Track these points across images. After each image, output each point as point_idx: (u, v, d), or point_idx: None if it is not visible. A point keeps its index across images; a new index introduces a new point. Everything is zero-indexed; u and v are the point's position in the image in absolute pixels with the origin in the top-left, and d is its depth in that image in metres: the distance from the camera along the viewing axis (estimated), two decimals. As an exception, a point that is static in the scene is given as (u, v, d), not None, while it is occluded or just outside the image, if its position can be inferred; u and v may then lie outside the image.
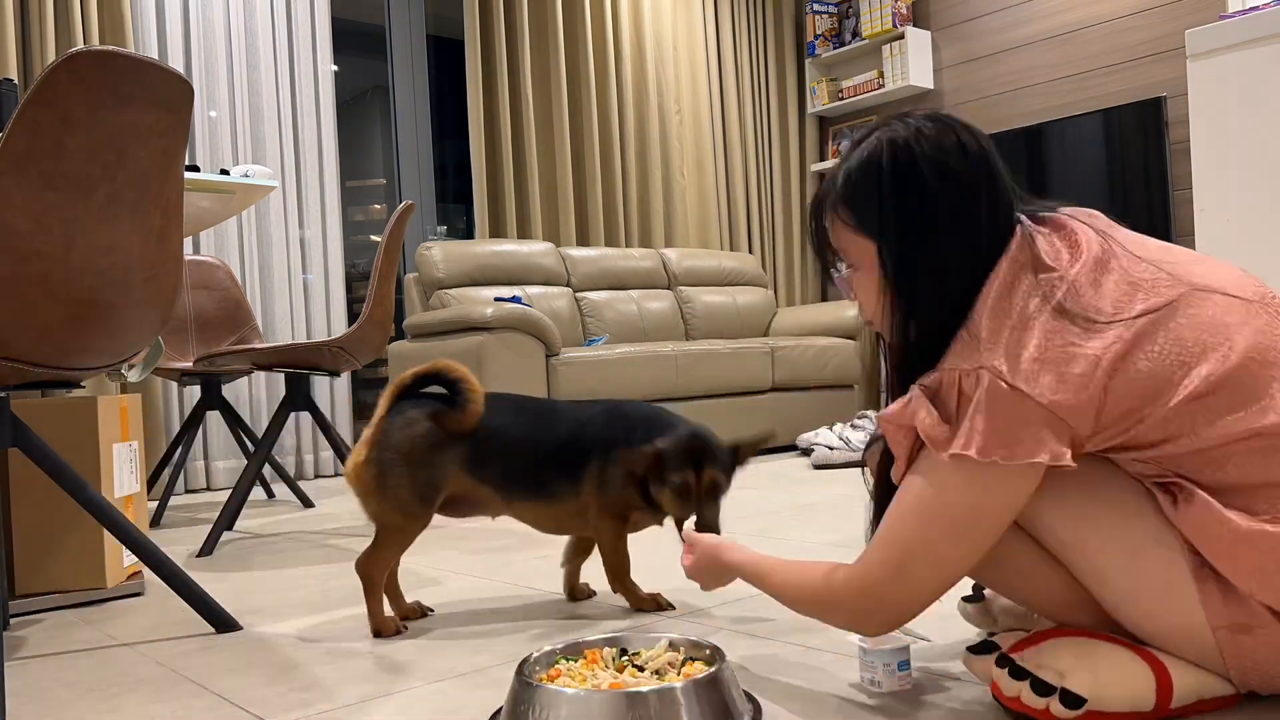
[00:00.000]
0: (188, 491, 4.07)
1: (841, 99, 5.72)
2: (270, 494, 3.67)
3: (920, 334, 1.05)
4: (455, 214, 5.35)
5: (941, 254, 1.04)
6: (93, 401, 1.95)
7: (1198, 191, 3.41)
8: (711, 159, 5.55)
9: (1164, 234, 4.40)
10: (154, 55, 3.97)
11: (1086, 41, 4.82)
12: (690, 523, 1.53)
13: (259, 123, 4.22)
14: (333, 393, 4.43)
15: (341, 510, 3.19)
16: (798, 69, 5.96)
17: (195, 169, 2.49)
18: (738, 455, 1.63)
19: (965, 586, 1.40)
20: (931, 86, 5.43)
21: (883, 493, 1.14)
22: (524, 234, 4.85)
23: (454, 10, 4.83)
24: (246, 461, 2.77)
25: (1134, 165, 4.52)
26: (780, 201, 5.84)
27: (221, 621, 1.67)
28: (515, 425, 1.60)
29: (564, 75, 4.93)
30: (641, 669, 1.12)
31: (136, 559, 1.98)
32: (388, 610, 1.63)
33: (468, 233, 5.23)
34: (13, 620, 1.82)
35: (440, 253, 4.28)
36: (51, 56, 3.64)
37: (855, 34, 5.69)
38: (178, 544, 2.63)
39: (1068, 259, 1.01)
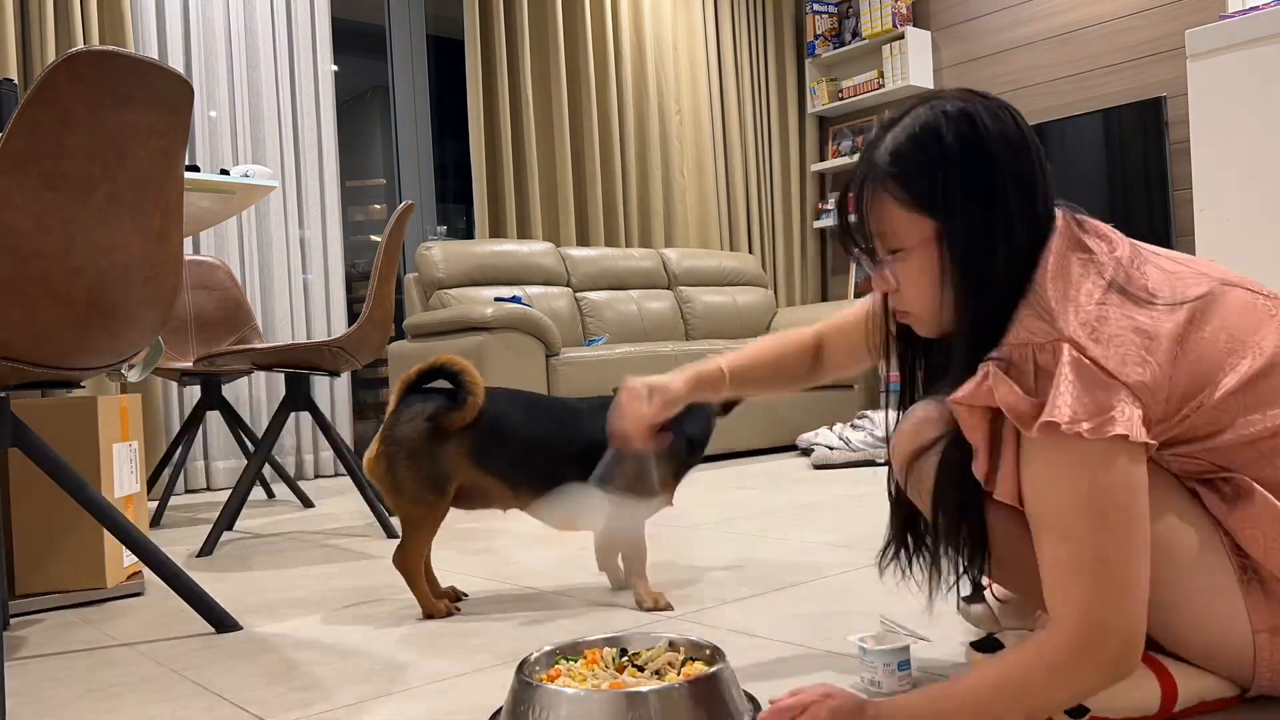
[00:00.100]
0: (188, 491, 4.07)
1: (841, 99, 5.72)
2: (270, 494, 3.67)
3: (989, 315, 0.98)
4: (455, 214, 5.35)
5: (1010, 227, 0.98)
6: (93, 401, 1.95)
7: (1198, 191, 3.41)
8: (711, 159, 5.55)
9: (1164, 234, 4.40)
10: (154, 55, 3.97)
11: (1086, 41, 4.82)
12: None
13: (259, 123, 4.22)
14: (333, 393, 4.43)
15: (341, 510, 3.19)
16: (798, 69, 5.96)
17: (195, 169, 2.49)
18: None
19: (964, 587, 1.40)
20: (931, 86, 5.43)
21: (949, 494, 1.06)
22: (524, 234, 4.85)
23: (454, 10, 4.83)
24: (246, 461, 2.77)
25: (1134, 165, 4.52)
26: (780, 201, 5.84)
27: (221, 621, 1.67)
28: (520, 418, 1.65)
29: (564, 75, 4.93)
30: (641, 669, 1.12)
31: (136, 559, 1.98)
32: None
33: (468, 233, 5.23)
34: (13, 620, 1.82)
35: (440, 253, 4.28)
36: (51, 56, 3.64)
37: (855, 34, 5.69)
38: (178, 544, 2.63)
39: (1107, 248, 1.00)
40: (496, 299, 4.07)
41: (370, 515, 3.01)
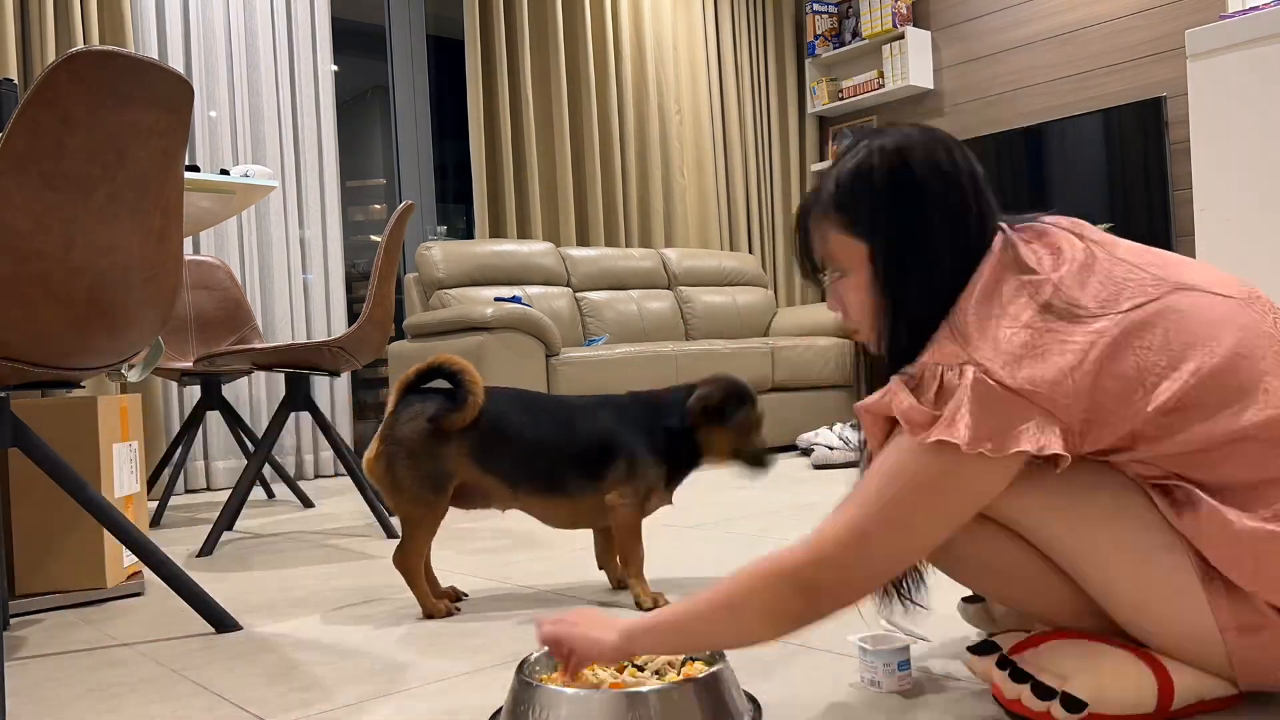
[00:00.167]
0: (188, 491, 4.07)
1: (841, 99, 5.72)
2: (270, 494, 3.67)
3: (909, 333, 1.06)
4: (455, 214, 5.35)
5: (934, 250, 1.05)
6: (93, 401, 1.96)
7: (1198, 191, 3.41)
8: (711, 159, 5.55)
9: (1164, 234, 4.40)
10: (154, 55, 3.97)
11: (1086, 41, 4.82)
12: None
13: (259, 123, 4.22)
14: (333, 393, 4.43)
15: (341, 510, 3.19)
16: (798, 69, 5.96)
17: (195, 169, 2.49)
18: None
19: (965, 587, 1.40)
20: (931, 86, 5.43)
21: None
22: (524, 234, 4.85)
23: (454, 10, 4.83)
24: (246, 461, 2.77)
25: (1134, 165, 4.52)
26: (780, 201, 5.84)
27: (221, 621, 1.67)
28: (520, 418, 1.65)
29: (564, 75, 4.93)
30: (641, 669, 1.12)
31: (136, 559, 1.98)
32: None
33: (468, 233, 5.23)
34: (13, 620, 1.82)
35: (440, 253, 4.28)
36: (51, 56, 3.64)
37: (855, 34, 5.69)
38: (178, 544, 2.63)
39: (1050, 263, 1.03)
40: (496, 299, 4.07)
41: (370, 515, 3.01)
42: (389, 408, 1.66)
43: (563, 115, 4.92)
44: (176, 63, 4.01)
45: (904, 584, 1.19)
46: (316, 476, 4.38)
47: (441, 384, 1.68)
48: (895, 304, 1.07)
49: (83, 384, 1.68)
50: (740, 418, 1.70)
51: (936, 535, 0.99)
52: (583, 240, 5.08)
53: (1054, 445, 0.94)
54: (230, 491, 2.67)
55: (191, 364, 3.20)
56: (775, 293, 5.79)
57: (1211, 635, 0.96)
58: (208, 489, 4.09)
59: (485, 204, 4.73)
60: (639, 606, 1.64)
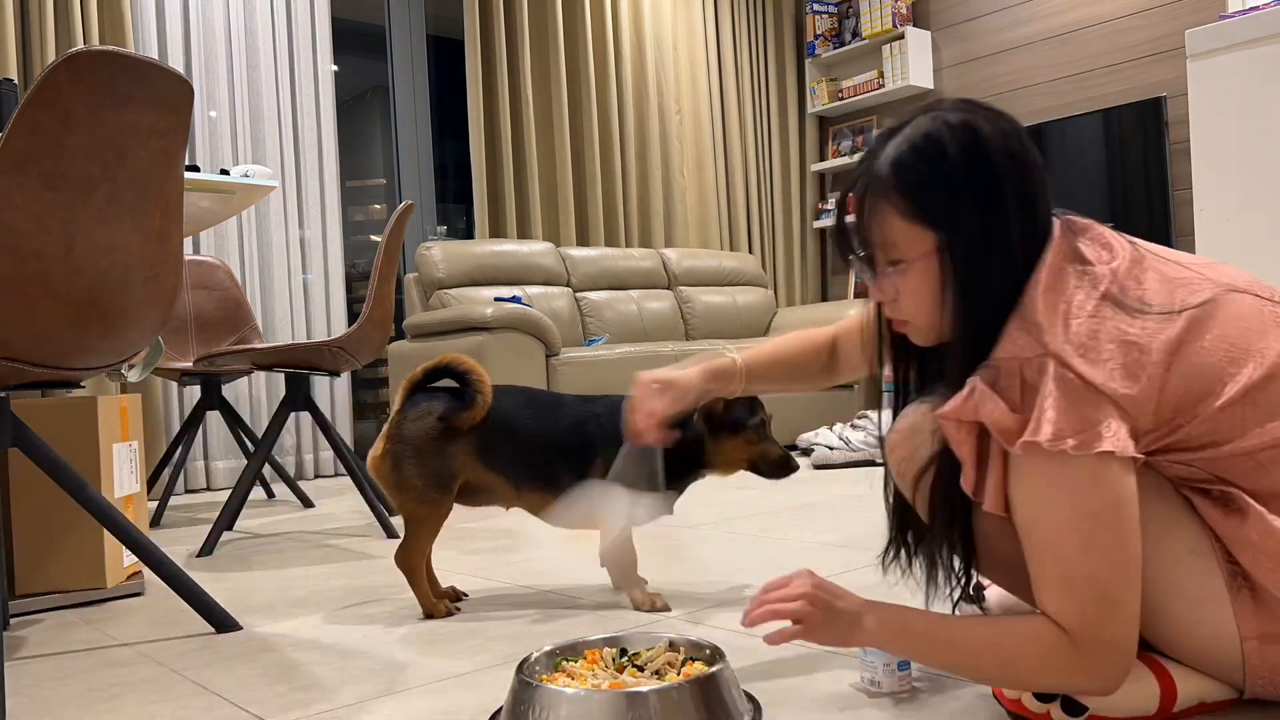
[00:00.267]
0: (188, 491, 4.07)
1: (841, 99, 5.72)
2: (270, 494, 3.67)
3: (982, 325, 0.99)
4: (455, 214, 5.35)
5: (1012, 240, 0.98)
6: (93, 401, 1.95)
7: (1198, 191, 3.41)
8: (711, 159, 5.55)
9: (1164, 234, 4.40)
10: (154, 55, 3.97)
11: (1086, 41, 4.82)
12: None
13: (259, 123, 4.22)
14: (333, 393, 4.43)
15: (341, 510, 3.19)
16: (798, 69, 5.96)
17: (195, 169, 2.49)
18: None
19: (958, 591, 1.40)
20: (931, 86, 5.43)
21: (942, 505, 1.07)
22: (524, 234, 4.85)
23: (454, 10, 4.83)
24: (246, 461, 2.77)
25: (1134, 165, 4.52)
26: (780, 201, 5.84)
27: (221, 621, 1.67)
28: (526, 418, 1.65)
29: (564, 75, 4.93)
30: (641, 669, 1.12)
31: (136, 559, 1.98)
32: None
33: (468, 233, 5.23)
34: (13, 620, 1.82)
35: (440, 253, 4.28)
36: (51, 56, 3.64)
37: (855, 34, 5.69)
38: (178, 544, 2.63)
39: (1106, 256, 0.99)
40: (496, 299, 4.07)
41: (370, 515, 3.01)
42: (395, 406, 1.66)
43: (563, 115, 4.92)
44: (176, 63, 4.01)
45: (965, 567, 1.11)
46: (316, 476, 4.38)
47: (448, 383, 1.68)
48: (972, 298, 0.99)
49: (83, 384, 1.68)
50: (751, 424, 1.63)
51: (1138, 552, 0.93)
52: (583, 240, 5.08)
53: (1132, 448, 0.91)
54: (230, 491, 2.67)
55: (191, 364, 3.20)
56: (775, 293, 5.79)
57: (1231, 643, 0.95)
58: (208, 489, 4.09)
59: (485, 204, 4.73)
60: (637, 608, 1.64)
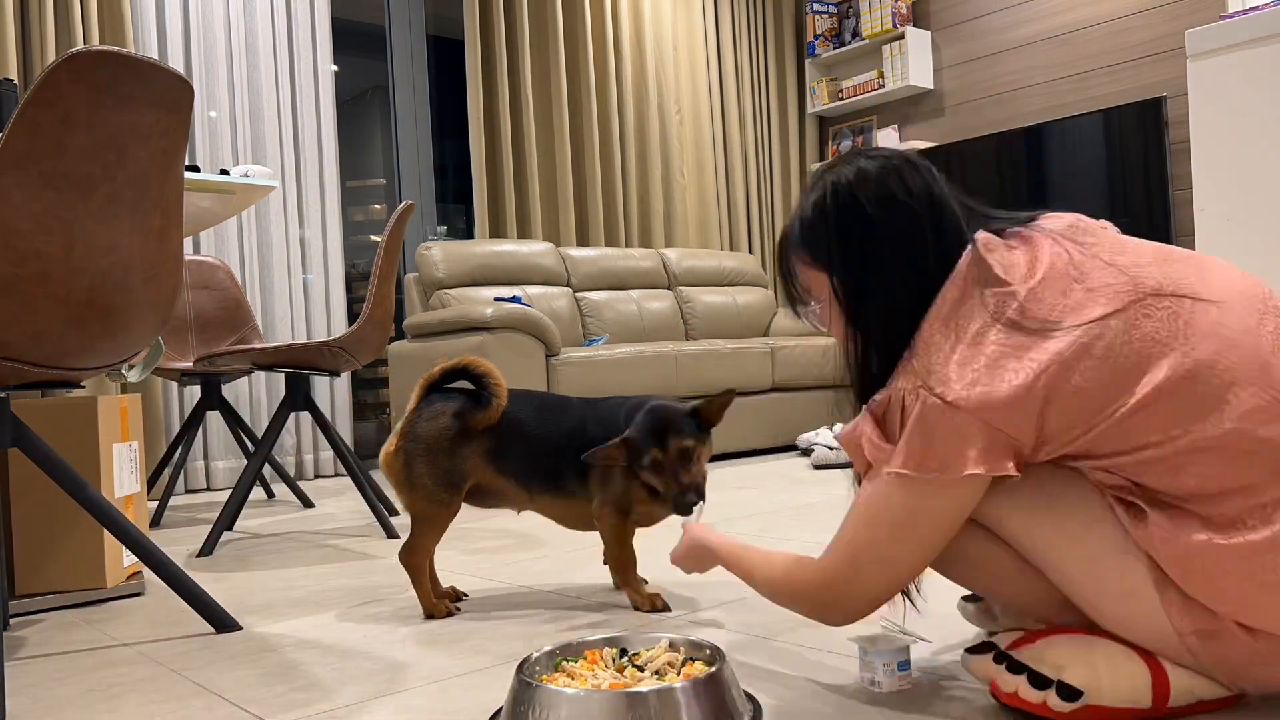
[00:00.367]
0: (188, 491, 4.07)
1: (841, 99, 5.72)
2: (270, 494, 3.67)
3: (876, 357, 1.11)
4: (455, 214, 5.35)
5: (887, 279, 1.09)
6: (93, 401, 1.95)
7: (1198, 191, 3.41)
8: (711, 159, 5.55)
9: (1164, 234, 4.40)
10: (154, 55, 3.97)
11: (1086, 41, 4.82)
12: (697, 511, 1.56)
13: (259, 123, 4.22)
14: (333, 393, 4.43)
15: (341, 510, 3.19)
16: (798, 69, 5.96)
17: (195, 169, 2.49)
18: (701, 417, 1.61)
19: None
20: (931, 86, 5.43)
21: None
22: (524, 234, 4.85)
23: (454, 10, 4.83)
24: (246, 461, 2.77)
25: (1134, 165, 4.52)
26: (780, 201, 5.84)
27: (221, 621, 1.67)
28: (536, 421, 1.66)
29: (564, 75, 4.93)
30: (641, 669, 1.12)
31: (136, 559, 1.98)
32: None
33: (468, 233, 5.23)
34: (13, 620, 1.82)
35: (440, 253, 4.28)
36: (51, 56, 3.64)
37: (855, 34, 5.69)
38: (178, 544, 2.63)
39: (1024, 272, 1.03)
40: (496, 299, 4.07)
41: (370, 515, 3.01)
42: (411, 404, 1.67)
43: (563, 115, 4.92)
44: (176, 63, 4.01)
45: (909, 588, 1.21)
46: (316, 476, 4.38)
47: (462, 384, 1.69)
48: (858, 331, 1.12)
49: (83, 384, 1.68)
50: (648, 462, 1.55)
51: (921, 560, 1.08)
52: (583, 240, 5.08)
53: (1004, 467, 0.98)
54: (230, 491, 2.67)
55: (191, 364, 3.20)
56: (775, 293, 5.78)
57: (1169, 638, 0.97)
58: (208, 489, 4.09)
59: (485, 204, 4.73)
60: (636, 609, 1.64)
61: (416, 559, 1.66)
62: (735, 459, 4.21)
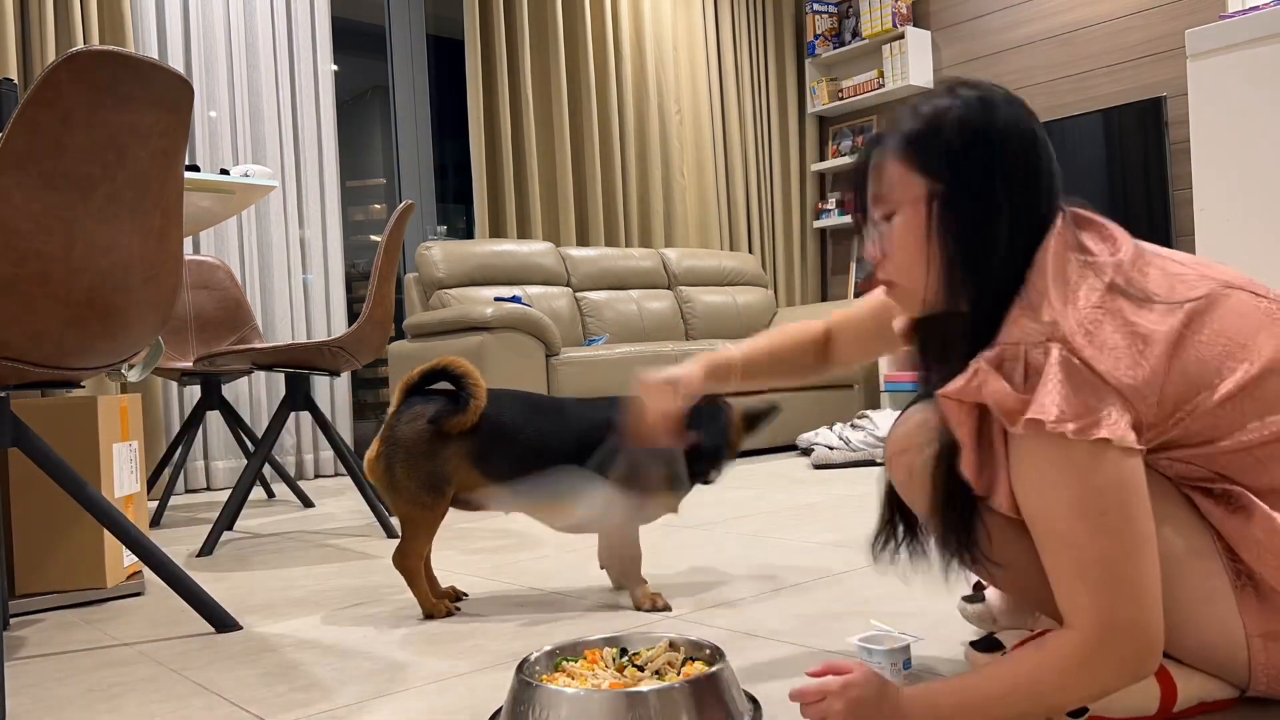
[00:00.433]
0: (188, 491, 4.07)
1: (841, 99, 5.72)
2: (270, 494, 3.67)
3: (978, 302, 0.99)
4: (455, 214, 5.35)
5: (1004, 209, 0.98)
6: (93, 401, 1.95)
7: (1198, 191, 3.41)
8: (711, 159, 5.55)
9: (1164, 234, 4.40)
10: (154, 55, 3.97)
11: (1086, 41, 4.82)
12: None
13: (259, 123, 4.22)
14: (333, 393, 4.43)
15: (341, 510, 3.19)
16: (798, 69, 5.96)
17: (195, 169, 2.49)
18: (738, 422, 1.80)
19: (965, 586, 1.40)
20: (931, 86, 5.43)
21: (942, 497, 1.05)
22: (524, 234, 4.85)
23: (454, 10, 4.83)
24: (246, 461, 2.77)
25: (1134, 165, 4.52)
26: (780, 201, 5.84)
27: (221, 621, 1.67)
28: (523, 423, 1.64)
29: (564, 75, 4.93)
30: (641, 669, 1.12)
31: (136, 559, 1.98)
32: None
33: (468, 233, 5.23)
34: (13, 620, 1.82)
35: (440, 253, 4.28)
36: (51, 56, 3.64)
37: (855, 34, 5.69)
38: (178, 544, 2.63)
39: (1110, 249, 0.99)
40: (496, 299, 4.07)
41: (370, 515, 3.01)
42: (391, 408, 1.66)
43: (563, 115, 4.92)
44: (176, 63, 4.01)
45: (963, 560, 1.08)
46: (316, 476, 4.38)
47: (445, 386, 1.68)
48: (961, 261, 0.99)
49: (83, 384, 1.68)
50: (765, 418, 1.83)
51: (1147, 529, 0.91)
52: (583, 240, 5.08)
53: (1132, 438, 0.91)
54: (230, 491, 2.67)
55: (191, 364, 3.20)
56: (775, 293, 5.79)
57: (1237, 641, 0.95)
58: (208, 489, 4.09)
59: (485, 204, 4.73)
60: (637, 608, 1.64)
61: (409, 562, 1.65)
62: (735, 459, 4.20)
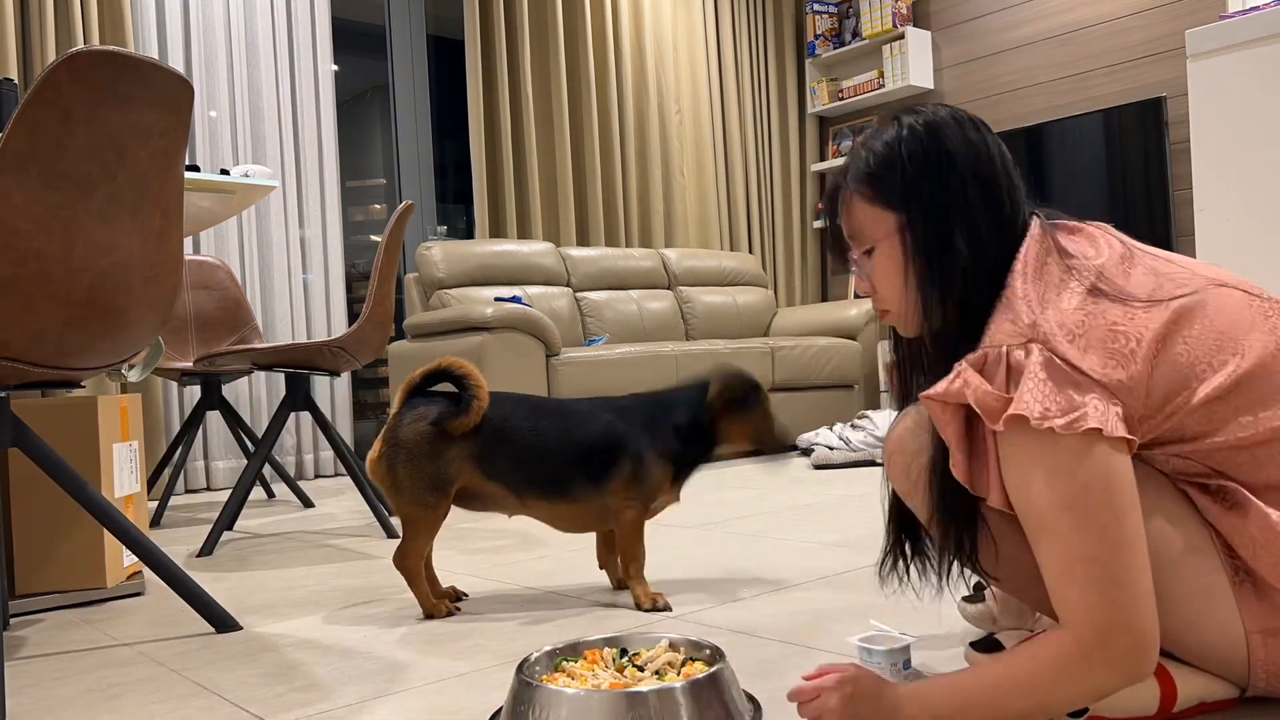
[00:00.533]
0: (188, 491, 4.07)
1: (841, 99, 5.72)
2: (270, 494, 3.67)
3: (956, 310, 1.02)
4: (455, 214, 5.35)
5: (972, 220, 1.02)
6: (93, 401, 1.95)
7: (1198, 191, 3.41)
8: (711, 159, 5.55)
9: (1164, 234, 4.40)
10: (154, 55, 3.97)
11: (1086, 41, 4.82)
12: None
13: (259, 123, 4.22)
14: (333, 393, 4.43)
15: (341, 510, 3.19)
16: (798, 69, 5.96)
17: (195, 169, 2.49)
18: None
19: (965, 586, 1.40)
20: (932, 86, 5.43)
21: (941, 498, 1.06)
22: (524, 234, 4.85)
23: (454, 10, 4.83)
24: (246, 461, 2.77)
25: (1134, 165, 4.52)
26: (780, 201, 5.84)
27: (221, 621, 1.67)
28: (526, 424, 1.65)
29: (564, 74, 4.93)
30: (641, 669, 1.12)
31: (136, 559, 1.98)
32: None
33: (468, 233, 5.23)
34: (13, 620, 1.82)
35: (440, 253, 4.28)
36: (51, 56, 3.64)
37: (855, 34, 5.69)
38: (178, 544, 2.63)
39: (1092, 253, 1.01)
40: (496, 299, 4.07)
41: (370, 515, 3.01)
42: (393, 409, 1.67)
43: (563, 115, 4.92)
44: (176, 63, 4.01)
45: (966, 561, 1.08)
46: (316, 476, 4.38)
47: (447, 387, 1.68)
48: (936, 278, 1.02)
49: (83, 384, 1.68)
50: (760, 404, 1.74)
51: (1136, 525, 0.91)
52: (583, 240, 5.08)
53: (1121, 429, 0.91)
54: (230, 491, 2.67)
55: (191, 364, 3.20)
56: (775, 293, 5.79)
57: (1236, 639, 0.96)
58: (208, 489, 4.09)
59: (485, 204, 4.73)
60: (638, 607, 1.64)
61: (410, 562, 1.65)
62: (735, 459, 4.21)
